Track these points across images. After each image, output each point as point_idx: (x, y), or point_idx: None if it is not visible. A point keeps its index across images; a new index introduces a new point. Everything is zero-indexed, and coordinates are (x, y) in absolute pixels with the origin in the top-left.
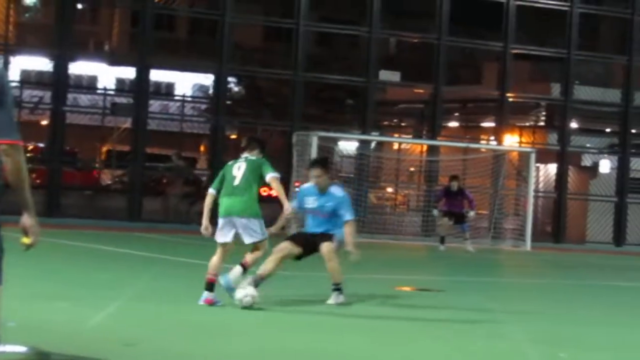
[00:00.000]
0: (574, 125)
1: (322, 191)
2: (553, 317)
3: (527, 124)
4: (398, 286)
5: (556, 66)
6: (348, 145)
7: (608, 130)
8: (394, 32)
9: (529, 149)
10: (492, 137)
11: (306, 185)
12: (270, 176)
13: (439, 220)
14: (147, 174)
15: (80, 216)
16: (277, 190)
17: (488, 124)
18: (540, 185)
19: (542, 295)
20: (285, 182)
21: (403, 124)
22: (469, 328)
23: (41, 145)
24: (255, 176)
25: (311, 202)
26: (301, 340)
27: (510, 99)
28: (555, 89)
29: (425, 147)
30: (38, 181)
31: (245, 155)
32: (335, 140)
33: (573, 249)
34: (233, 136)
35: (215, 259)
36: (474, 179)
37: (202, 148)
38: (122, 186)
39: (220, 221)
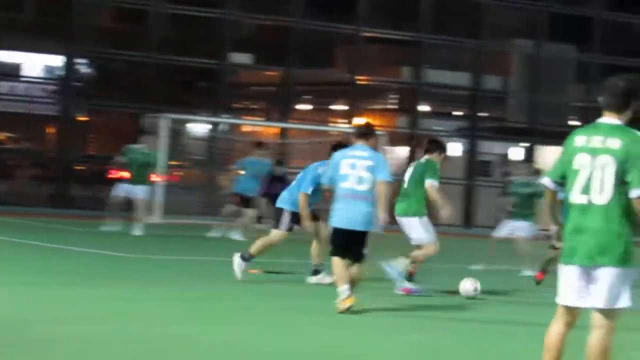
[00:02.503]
0: (424, 108)
1: None
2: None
3: (378, 107)
4: (250, 269)
5: (407, 50)
6: (200, 128)
7: (458, 113)
8: (247, 15)
9: (379, 132)
10: (344, 120)
11: None
12: (429, 182)
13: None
14: None
15: None
16: (435, 198)
17: (339, 106)
18: (391, 168)
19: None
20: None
21: (255, 107)
22: (322, 309)
23: None
24: (422, 179)
25: None
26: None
27: (362, 82)
28: (406, 73)
29: (276, 130)
30: None
31: (426, 157)
32: (186, 123)
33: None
34: (83, 118)
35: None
36: None
37: (49, 130)
38: None
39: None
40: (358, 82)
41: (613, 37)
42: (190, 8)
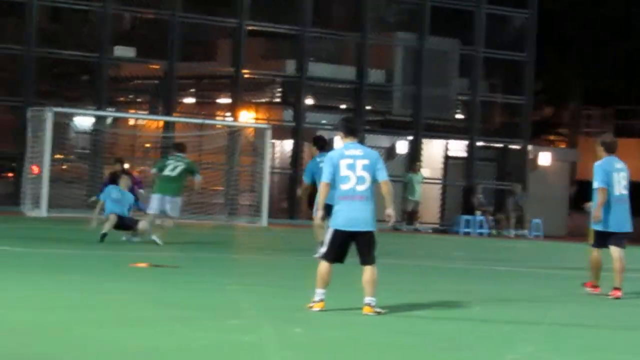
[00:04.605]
0: (308, 101)
1: None
2: (287, 292)
3: (263, 100)
4: (132, 263)
5: (290, 43)
6: (83, 121)
7: (342, 106)
8: (127, 8)
9: (264, 126)
10: (228, 114)
11: None
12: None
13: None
14: None
15: None
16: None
17: (223, 100)
18: (276, 161)
19: (275, 271)
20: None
21: (138, 100)
22: (201, 304)
23: None
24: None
25: None
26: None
27: (245, 76)
28: (290, 66)
29: (161, 124)
30: None
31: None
32: (70, 116)
33: (308, 225)
34: None
35: None
36: (209, 155)
37: None
38: None
39: None
40: (242, 75)
41: (494, 30)
42: (70, 1)
